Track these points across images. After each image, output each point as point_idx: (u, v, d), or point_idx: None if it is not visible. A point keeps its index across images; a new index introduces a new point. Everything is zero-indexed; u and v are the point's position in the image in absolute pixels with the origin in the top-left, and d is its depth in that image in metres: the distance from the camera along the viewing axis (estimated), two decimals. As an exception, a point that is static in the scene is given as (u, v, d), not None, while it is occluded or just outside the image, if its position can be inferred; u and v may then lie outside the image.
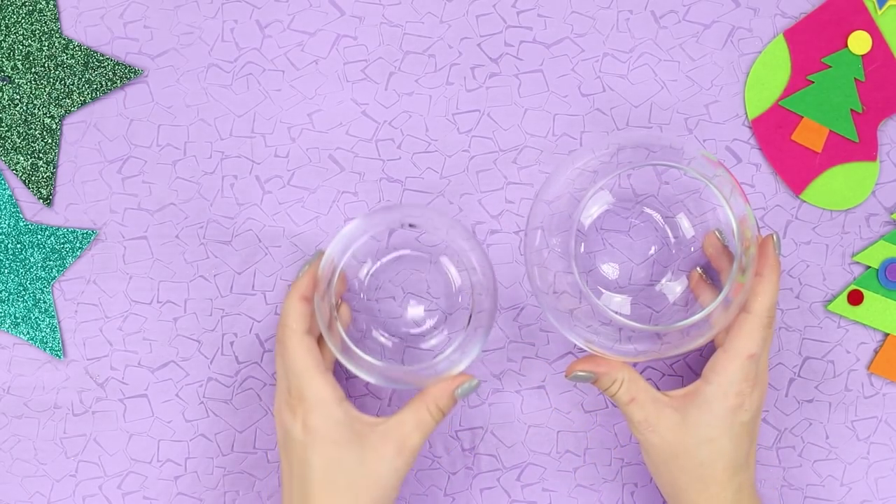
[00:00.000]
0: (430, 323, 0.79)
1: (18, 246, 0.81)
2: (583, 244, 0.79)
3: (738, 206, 0.71)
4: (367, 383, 0.82)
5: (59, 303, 0.82)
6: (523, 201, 0.82)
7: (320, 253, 0.74)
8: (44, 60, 0.81)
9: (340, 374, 0.81)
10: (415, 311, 0.80)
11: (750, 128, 0.82)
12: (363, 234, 0.74)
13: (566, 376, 0.75)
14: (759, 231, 0.73)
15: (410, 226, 0.75)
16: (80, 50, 0.81)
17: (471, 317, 0.74)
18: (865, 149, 0.81)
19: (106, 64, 0.81)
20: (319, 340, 0.76)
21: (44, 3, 0.81)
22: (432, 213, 0.75)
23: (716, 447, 0.73)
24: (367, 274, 0.79)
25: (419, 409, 0.73)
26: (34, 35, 0.81)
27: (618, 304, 0.78)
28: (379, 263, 0.79)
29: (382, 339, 0.79)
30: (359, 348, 0.73)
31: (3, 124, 0.81)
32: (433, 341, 0.79)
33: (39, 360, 0.82)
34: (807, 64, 0.81)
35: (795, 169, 0.81)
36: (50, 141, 0.81)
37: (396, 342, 0.79)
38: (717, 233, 0.77)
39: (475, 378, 0.74)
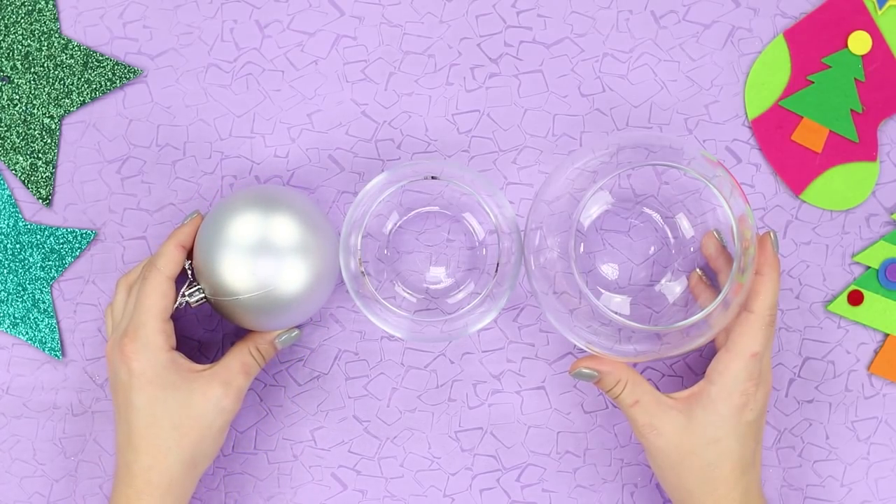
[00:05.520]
0: (454, 279, 0.80)
1: (17, 246, 0.81)
2: (582, 244, 0.79)
3: (738, 206, 0.71)
4: (366, 384, 0.82)
5: (58, 303, 0.82)
6: (523, 201, 0.82)
7: (197, 212, 0.77)
8: (43, 60, 0.81)
9: (337, 379, 0.81)
10: (438, 267, 0.80)
11: (750, 128, 0.82)
12: (388, 187, 0.75)
13: (570, 372, 0.75)
14: (758, 231, 0.73)
15: (433, 178, 0.75)
16: (80, 50, 0.81)
17: (498, 266, 0.75)
18: (865, 149, 0.81)
19: (105, 64, 0.81)
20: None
21: (43, 2, 0.81)
22: (455, 166, 0.76)
23: (722, 447, 0.73)
24: (391, 230, 0.80)
25: (243, 352, 0.76)
26: (33, 35, 0.81)
27: (617, 304, 0.78)
28: (403, 220, 0.80)
29: (406, 295, 0.79)
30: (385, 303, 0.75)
31: (2, 124, 0.81)
32: (459, 296, 0.79)
33: (38, 361, 0.82)
34: (807, 64, 0.81)
35: (795, 169, 0.81)
36: (49, 141, 0.81)
37: (420, 298, 0.79)
38: (715, 233, 0.76)
39: (296, 329, 0.77)
